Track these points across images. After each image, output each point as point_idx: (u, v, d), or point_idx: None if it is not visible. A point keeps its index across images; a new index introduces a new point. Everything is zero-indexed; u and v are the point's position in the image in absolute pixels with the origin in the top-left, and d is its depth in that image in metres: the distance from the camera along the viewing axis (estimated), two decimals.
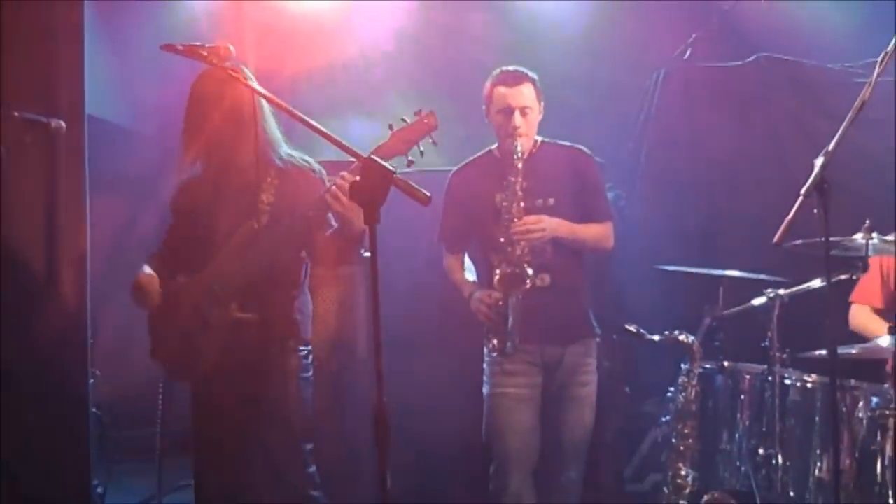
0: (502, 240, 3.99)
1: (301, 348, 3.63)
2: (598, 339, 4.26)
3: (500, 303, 3.97)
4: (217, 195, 3.56)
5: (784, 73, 5.87)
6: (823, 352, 4.11)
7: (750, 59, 5.94)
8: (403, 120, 3.31)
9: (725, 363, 4.66)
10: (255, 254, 3.44)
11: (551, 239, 4.02)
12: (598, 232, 4.18)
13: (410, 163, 3.30)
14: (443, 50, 6.27)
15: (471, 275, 4.30)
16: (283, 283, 3.58)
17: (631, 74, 6.26)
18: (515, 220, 3.96)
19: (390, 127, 3.31)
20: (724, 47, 6.12)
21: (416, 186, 2.49)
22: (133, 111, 6.18)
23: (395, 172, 2.46)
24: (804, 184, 2.95)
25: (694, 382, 4.27)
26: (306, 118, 2.75)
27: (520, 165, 3.98)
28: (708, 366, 4.65)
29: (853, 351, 4.24)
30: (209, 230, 3.55)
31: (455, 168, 4.32)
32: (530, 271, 3.92)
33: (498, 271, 3.97)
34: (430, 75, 6.12)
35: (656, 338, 4.18)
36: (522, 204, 3.99)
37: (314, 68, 5.86)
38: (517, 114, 4.06)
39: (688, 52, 6.06)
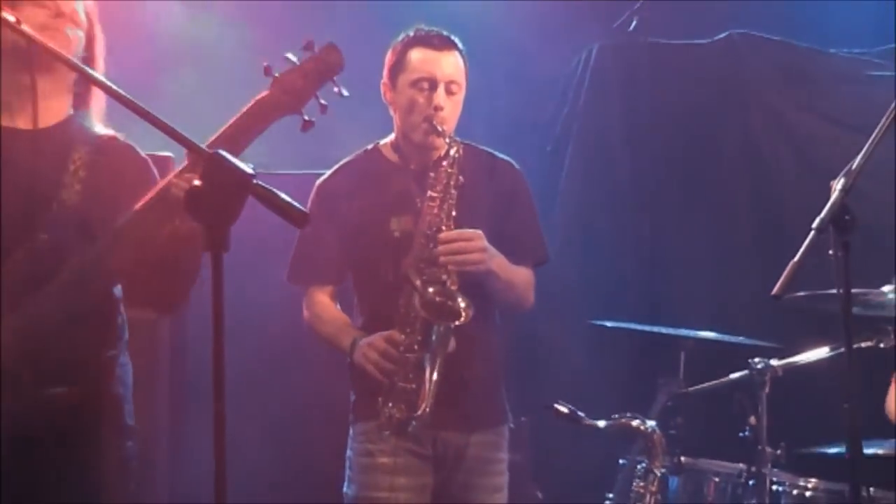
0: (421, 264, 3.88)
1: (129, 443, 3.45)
2: (510, 426, 4.20)
3: (415, 346, 3.83)
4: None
5: (766, 57, 5.93)
6: (838, 449, 4.21)
7: (720, 35, 5.97)
8: (288, 58, 3.21)
9: (683, 458, 4.61)
10: (52, 289, 3.18)
11: (485, 273, 3.91)
12: (526, 279, 4.14)
13: (308, 124, 3.19)
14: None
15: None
16: (96, 338, 3.37)
17: (543, 48, 6.11)
18: (444, 228, 3.87)
19: (267, 71, 3.18)
20: (684, 17, 6.11)
21: (286, 198, 2.44)
22: None
23: (255, 177, 2.41)
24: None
25: (654, 488, 4.20)
26: (111, 85, 2.73)
27: (452, 167, 3.89)
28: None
29: (880, 451, 4.28)
30: None
31: (324, 176, 4.18)
32: (463, 303, 3.79)
33: (418, 295, 3.83)
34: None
35: (601, 423, 4.07)
36: (454, 213, 3.88)
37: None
38: (441, 90, 3.94)
39: (633, 23, 6.00)
